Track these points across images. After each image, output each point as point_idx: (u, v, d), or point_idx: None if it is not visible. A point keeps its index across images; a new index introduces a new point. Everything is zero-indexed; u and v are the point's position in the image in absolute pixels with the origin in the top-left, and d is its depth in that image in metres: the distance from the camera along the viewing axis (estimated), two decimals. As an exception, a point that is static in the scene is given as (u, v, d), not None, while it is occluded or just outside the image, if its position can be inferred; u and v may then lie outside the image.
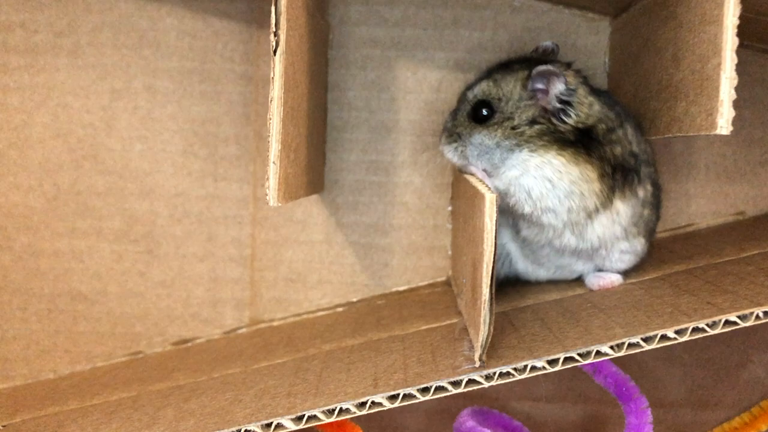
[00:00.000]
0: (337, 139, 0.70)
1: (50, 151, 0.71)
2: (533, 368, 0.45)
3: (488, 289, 0.44)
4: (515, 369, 0.45)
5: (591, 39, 0.70)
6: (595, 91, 0.57)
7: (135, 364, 0.70)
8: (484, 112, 0.56)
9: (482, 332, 0.45)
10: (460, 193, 0.61)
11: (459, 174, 0.61)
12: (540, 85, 0.55)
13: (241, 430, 0.46)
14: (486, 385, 0.45)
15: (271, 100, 0.47)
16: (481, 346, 0.45)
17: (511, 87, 0.56)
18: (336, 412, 0.45)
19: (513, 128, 0.55)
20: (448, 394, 0.45)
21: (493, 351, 0.47)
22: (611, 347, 0.46)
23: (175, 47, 0.70)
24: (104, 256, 0.71)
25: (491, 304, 0.45)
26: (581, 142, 0.54)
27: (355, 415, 0.46)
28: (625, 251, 0.58)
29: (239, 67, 0.70)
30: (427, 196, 0.71)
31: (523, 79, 0.55)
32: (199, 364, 0.64)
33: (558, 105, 0.54)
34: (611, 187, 0.54)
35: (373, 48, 0.70)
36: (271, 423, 0.46)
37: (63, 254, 0.71)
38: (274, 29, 0.47)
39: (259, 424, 0.45)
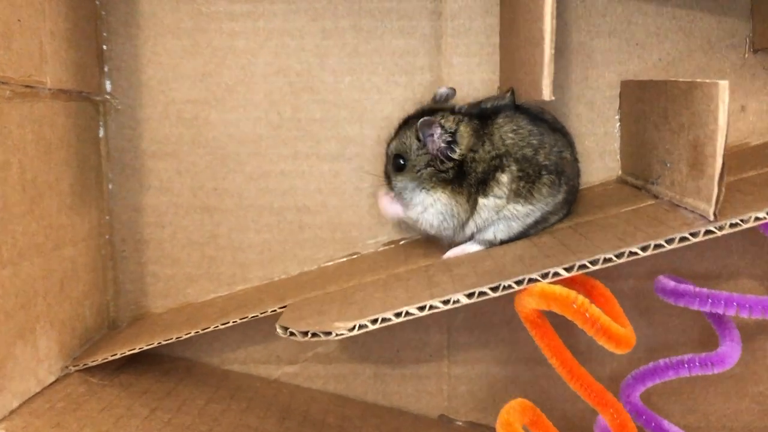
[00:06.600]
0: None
1: (272, 85, 0.83)
2: (756, 219, 0.58)
3: (721, 158, 0.56)
4: (742, 220, 0.57)
5: None
6: (474, 120, 0.71)
7: (353, 262, 0.83)
8: (401, 161, 0.71)
9: (715, 191, 0.57)
10: (653, 96, 0.72)
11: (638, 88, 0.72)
12: (427, 133, 0.69)
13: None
14: (719, 234, 0.57)
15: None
16: (715, 202, 0.57)
17: (410, 141, 0.71)
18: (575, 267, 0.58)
19: (416, 173, 0.71)
20: (688, 243, 0.58)
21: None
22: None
23: (375, -10, 0.82)
24: (323, 174, 0.84)
25: (723, 170, 0.57)
26: (456, 178, 0.70)
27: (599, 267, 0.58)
28: (505, 221, 0.71)
29: (430, 4, 0.82)
30: (598, 106, 0.83)
31: (415, 132, 0.70)
32: (405, 258, 0.77)
33: (443, 145, 0.69)
34: (475, 198, 0.70)
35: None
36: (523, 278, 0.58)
37: (288, 174, 0.84)
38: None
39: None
